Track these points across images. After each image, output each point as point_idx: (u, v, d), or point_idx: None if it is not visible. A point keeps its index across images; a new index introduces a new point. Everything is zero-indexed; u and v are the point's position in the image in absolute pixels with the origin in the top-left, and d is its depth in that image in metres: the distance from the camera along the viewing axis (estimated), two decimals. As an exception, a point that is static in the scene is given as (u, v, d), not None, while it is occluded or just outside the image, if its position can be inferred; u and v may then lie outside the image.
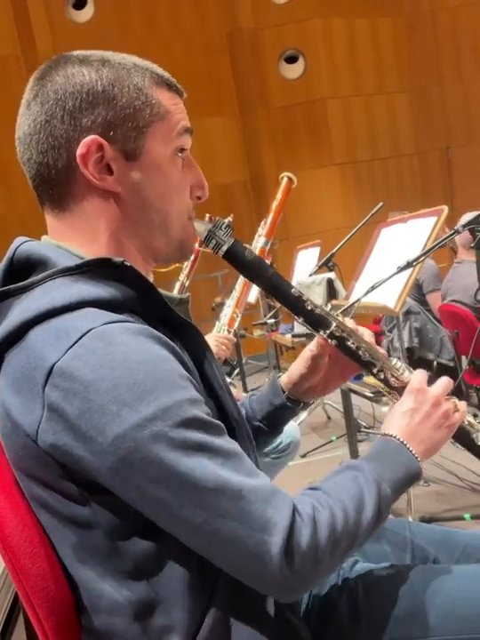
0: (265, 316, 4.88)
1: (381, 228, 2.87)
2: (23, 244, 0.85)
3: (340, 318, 1.02)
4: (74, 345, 0.73)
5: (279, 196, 2.10)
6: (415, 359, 4.01)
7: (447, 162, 7.79)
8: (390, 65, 7.59)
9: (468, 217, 3.36)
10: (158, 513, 0.75)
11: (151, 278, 0.97)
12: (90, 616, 0.84)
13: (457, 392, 3.07)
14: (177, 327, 0.86)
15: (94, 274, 0.80)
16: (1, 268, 0.86)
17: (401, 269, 2.05)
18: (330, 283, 2.94)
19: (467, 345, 3.18)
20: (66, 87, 0.82)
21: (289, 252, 5.42)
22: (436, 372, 3.99)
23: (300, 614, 0.95)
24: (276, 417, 1.15)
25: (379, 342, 4.50)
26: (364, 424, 3.77)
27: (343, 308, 2.17)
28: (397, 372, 1.00)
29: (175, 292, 2.41)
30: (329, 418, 4.37)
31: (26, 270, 0.84)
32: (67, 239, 0.87)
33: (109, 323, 0.75)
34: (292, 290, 0.99)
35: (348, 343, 1.00)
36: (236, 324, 2.15)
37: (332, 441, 3.80)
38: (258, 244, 2.04)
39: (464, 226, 2.10)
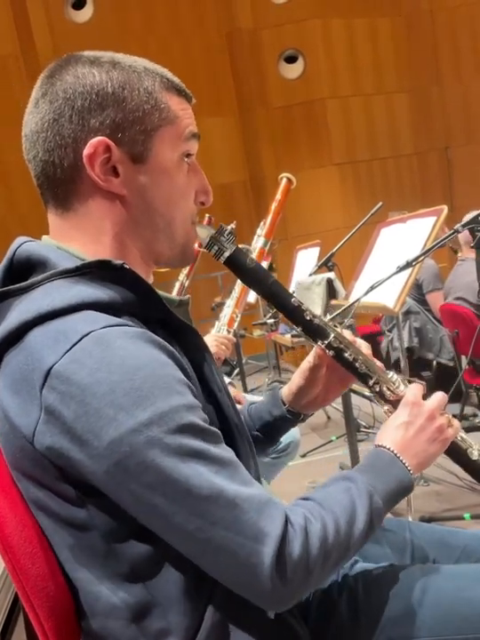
0: (265, 315, 4.88)
1: (381, 228, 2.87)
2: (23, 245, 0.85)
3: (339, 329, 1.03)
4: (72, 348, 0.73)
5: (278, 196, 2.10)
6: (415, 359, 4.01)
7: (447, 162, 7.79)
8: (389, 65, 7.60)
9: (469, 217, 3.36)
10: (152, 518, 0.75)
11: (151, 280, 0.97)
12: (88, 618, 0.84)
13: (457, 392, 3.07)
14: (176, 330, 0.86)
15: (94, 276, 0.80)
16: (1, 269, 0.86)
17: (400, 269, 2.05)
18: (329, 283, 2.94)
19: (466, 344, 3.18)
20: (76, 87, 0.82)
21: (288, 252, 5.42)
22: (435, 372, 4.00)
23: (298, 616, 0.95)
24: (275, 428, 1.16)
25: (379, 342, 4.52)
26: (364, 424, 3.77)
27: (343, 308, 2.18)
28: (393, 386, 1.00)
29: (175, 293, 2.41)
30: (329, 418, 4.38)
31: (26, 271, 0.84)
32: (69, 239, 0.86)
33: (108, 326, 0.75)
34: (292, 299, 0.99)
35: (345, 355, 1.00)
36: (236, 324, 2.15)
37: (331, 441, 3.80)
38: (257, 245, 2.04)
39: (463, 225, 2.11)
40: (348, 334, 1.04)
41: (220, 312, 2.24)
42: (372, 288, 2.06)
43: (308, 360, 1.10)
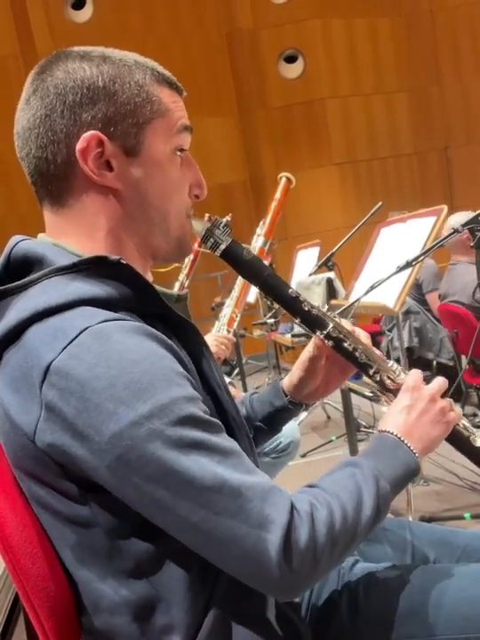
0: (264, 315, 4.87)
1: (381, 228, 2.87)
2: (20, 243, 0.85)
3: (337, 319, 1.02)
4: (70, 343, 0.73)
5: (278, 195, 2.10)
6: (415, 359, 4.01)
7: (446, 162, 7.79)
8: (389, 65, 7.59)
9: (455, 218, 3.36)
10: (155, 512, 0.75)
11: (150, 278, 0.97)
12: (90, 616, 0.83)
13: (457, 391, 3.07)
14: (175, 325, 0.86)
15: (90, 272, 0.80)
16: None
17: (400, 269, 2.05)
18: (329, 282, 2.94)
19: (466, 344, 3.18)
20: (66, 82, 0.82)
21: (288, 251, 5.42)
22: (435, 372, 4.00)
23: (300, 613, 0.95)
24: (277, 418, 1.15)
25: (378, 342, 4.52)
26: (364, 423, 3.77)
27: (343, 308, 2.17)
28: (393, 374, 1.00)
29: (175, 291, 2.41)
30: (329, 417, 4.38)
31: (23, 269, 0.84)
32: (65, 236, 0.86)
33: (105, 321, 0.75)
34: (290, 290, 0.99)
35: (345, 344, 1.00)
36: (236, 324, 2.15)
37: (331, 440, 3.80)
38: (257, 244, 2.04)
39: (463, 225, 2.10)
40: (346, 324, 1.04)
41: (219, 312, 2.24)
42: (372, 288, 2.06)
43: (308, 350, 1.10)
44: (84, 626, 0.86)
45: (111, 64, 0.84)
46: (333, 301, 2.80)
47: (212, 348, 1.98)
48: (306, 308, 0.99)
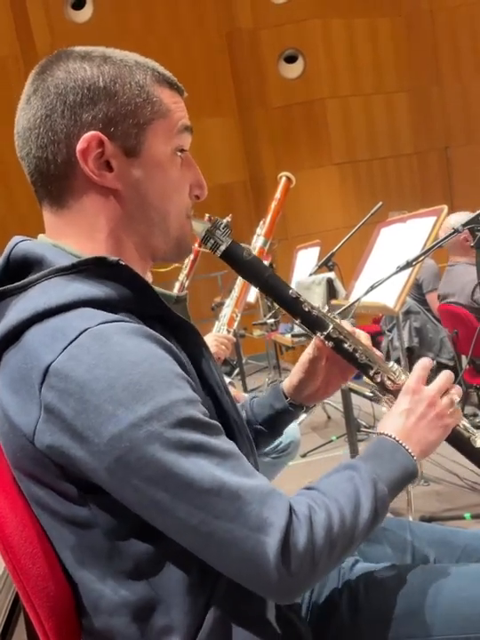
0: (264, 315, 4.88)
1: (381, 228, 2.87)
2: (19, 244, 0.85)
3: (337, 320, 1.02)
4: (69, 345, 0.73)
5: (278, 195, 2.10)
6: (415, 359, 4.01)
7: (446, 162, 7.79)
8: (389, 65, 7.59)
9: (454, 218, 3.36)
10: (154, 514, 0.75)
11: (150, 278, 0.97)
12: (90, 617, 0.83)
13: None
14: (174, 326, 0.86)
15: (90, 273, 0.80)
16: None
17: (400, 269, 2.05)
18: (330, 282, 2.94)
19: (466, 344, 3.18)
20: (67, 82, 0.82)
21: (288, 251, 5.42)
22: (435, 372, 3.99)
23: (300, 614, 0.95)
24: (278, 421, 1.15)
25: (379, 342, 4.52)
26: (364, 423, 3.77)
27: (343, 308, 2.18)
28: (394, 375, 1.00)
29: (174, 292, 2.41)
30: (329, 417, 4.38)
31: (23, 269, 0.84)
32: (64, 237, 0.86)
33: (105, 322, 0.75)
34: (290, 291, 0.99)
35: (345, 345, 1.00)
36: (236, 324, 2.15)
37: (332, 441, 3.80)
38: (257, 244, 2.04)
39: (464, 225, 2.10)
40: (347, 325, 1.04)
41: (219, 312, 2.24)
42: (372, 288, 2.06)
43: (308, 352, 1.10)
44: (84, 627, 0.86)
45: (112, 64, 0.84)
46: (333, 301, 2.80)
47: (212, 348, 1.98)
48: (306, 309, 0.99)
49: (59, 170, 0.84)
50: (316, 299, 2.83)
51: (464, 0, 7.48)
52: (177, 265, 2.41)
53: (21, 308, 0.78)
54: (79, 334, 0.73)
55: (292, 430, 2.15)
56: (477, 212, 2.19)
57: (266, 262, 1.03)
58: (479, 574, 0.95)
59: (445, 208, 2.44)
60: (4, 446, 0.82)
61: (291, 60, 7.37)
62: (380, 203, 3.05)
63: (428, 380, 0.97)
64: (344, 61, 7.37)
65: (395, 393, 0.99)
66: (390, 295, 2.36)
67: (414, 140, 7.77)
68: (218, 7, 7.13)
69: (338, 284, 2.98)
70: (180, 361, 0.80)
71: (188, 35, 7.05)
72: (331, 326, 1.00)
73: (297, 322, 1.01)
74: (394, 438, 0.91)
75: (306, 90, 7.34)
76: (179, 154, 0.88)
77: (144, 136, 0.84)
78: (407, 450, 0.90)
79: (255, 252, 2.01)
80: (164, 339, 0.79)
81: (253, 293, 4.10)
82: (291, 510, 0.76)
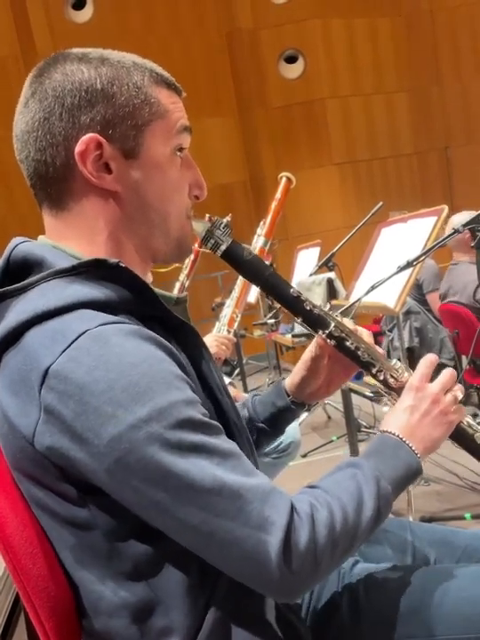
0: (265, 316, 4.87)
1: (381, 228, 2.87)
2: (19, 245, 0.85)
3: (339, 318, 1.02)
4: (69, 347, 0.73)
5: (278, 195, 2.10)
6: (415, 359, 4.01)
7: (446, 162, 7.79)
8: (389, 65, 7.59)
9: (457, 218, 3.36)
10: (155, 514, 0.75)
11: (150, 278, 0.97)
12: (90, 618, 0.83)
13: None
14: (174, 328, 0.86)
15: (90, 275, 0.80)
16: None
17: (401, 269, 2.05)
18: (330, 283, 2.94)
19: (467, 344, 3.18)
20: (65, 84, 0.82)
21: (289, 252, 5.42)
22: (436, 372, 3.99)
23: (300, 615, 0.94)
24: (280, 419, 1.15)
25: (379, 342, 4.52)
26: (365, 424, 3.77)
27: (343, 308, 2.17)
28: (397, 373, 0.99)
29: (175, 293, 2.41)
30: (329, 418, 4.38)
31: (23, 271, 0.84)
32: (64, 239, 0.86)
33: (104, 324, 0.74)
34: (291, 290, 0.99)
35: (347, 343, 1.00)
36: (236, 324, 2.15)
37: (332, 441, 3.80)
38: (257, 244, 2.04)
39: (464, 225, 2.10)
40: (349, 323, 1.03)
41: (220, 312, 2.24)
42: (372, 288, 2.05)
43: (310, 350, 1.09)
44: (85, 628, 0.86)
45: (109, 66, 0.84)
46: (334, 302, 2.79)
47: (213, 349, 1.98)
48: (307, 308, 0.99)
49: (57, 173, 0.84)
50: (316, 299, 2.83)
51: (464, 0, 7.47)
52: (177, 265, 2.41)
53: (21, 309, 0.78)
54: (78, 336, 0.73)
55: (292, 430, 2.15)
56: (479, 213, 2.19)
57: (266, 262, 1.03)
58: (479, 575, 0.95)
59: (446, 208, 2.43)
60: (3, 448, 0.82)
61: (291, 60, 7.37)
62: (381, 203, 3.04)
63: (430, 380, 0.97)
64: (344, 61, 7.38)
65: (398, 390, 0.98)
66: (391, 295, 2.36)
67: (414, 140, 7.77)
68: (218, 7, 7.13)
69: (338, 285, 2.98)
70: (180, 362, 0.80)
71: (188, 35, 7.05)
72: (332, 324, 1.00)
73: (298, 320, 1.01)
74: (397, 435, 0.90)
75: (306, 90, 7.34)
76: (178, 154, 0.88)
77: (142, 137, 0.84)
78: (410, 447, 0.90)
79: (255, 253, 2.02)
80: (163, 340, 0.78)
81: (254, 294, 4.09)
82: (292, 509, 0.76)
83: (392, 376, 0.99)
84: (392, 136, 7.66)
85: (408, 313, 4.08)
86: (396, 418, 0.93)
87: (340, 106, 7.38)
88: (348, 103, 7.41)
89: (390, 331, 4.28)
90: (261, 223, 2.10)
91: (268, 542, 0.73)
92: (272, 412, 1.14)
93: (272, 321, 4.64)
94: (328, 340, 1.00)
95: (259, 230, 2.08)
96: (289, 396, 1.14)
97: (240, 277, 2.13)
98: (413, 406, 0.93)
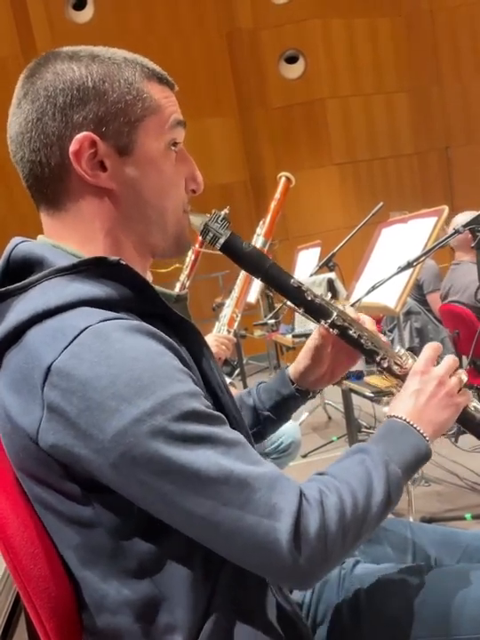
0: (265, 316, 4.87)
1: (382, 228, 2.87)
2: (19, 245, 0.85)
3: (341, 307, 1.02)
4: (70, 344, 0.73)
5: (277, 195, 2.09)
6: (416, 359, 4.01)
7: (447, 162, 7.79)
8: (389, 65, 7.60)
9: (460, 218, 3.36)
10: (162, 507, 0.75)
11: (150, 277, 0.97)
12: (93, 616, 0.83)
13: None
14: (175, 325, 0.86)
15: (90, 273, 0.80)
16: None
17: (401, 269, 2.05)
18: (330, 283, 2.94)
19: (467, 345, 3.18)
20: (56, 84, 0.82)
21: (289, 252, 5.42)
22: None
23: (302, 613, 0.94)
24: (285, 407, 1.16)
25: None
26: (365, 424, 3.77)
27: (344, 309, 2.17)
28: (401, 360, 0.99)
29: (175, 291, 2.41)
30: (330, 418, 4.38)
31: (23, 270, 0.84)
32: (63, 238, 0.86)
33: (105, 320, 0.75)
34: (292, 280, 0.98)
35: (350, 332, 1.00)
36: (236, 324, 2.15)
37: (332, 441, 3.80)
38: (257, 244, 2.04)
39: (464, 226, 2.10)
40: (351, 311, 1.03)
41: (220, 312, 2.23)
42: (373, 288, 2.06)
43: (313, 338, 1.09)
44: (87, 626, 0.86)
45: (100, 63, 0.83)
46: (334, 302, 2.79)
47: (213, 349, 1.98)
48: (309, 298, 0.99)
49: (53, 173, 0.84)
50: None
51: (464, 0, 7.48)
52: (178, 265, 2.42)
53: (21, 308, 0.78)
54: (80, 333, 0.73)
55: (292, 431, 2.15)
56: (470, 214, 2.20)
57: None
58: (480, 575, 0.95)
59: (446, 208, 2.43)
60: (6, 447, 0.82)
61: (291, 60, 7.37)
62: (381, 203, 3.04)
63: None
64: (344, 61, 7.38)
65: (403, 377, 0.98)
66: (391, 296, 2.35)
67: (414, 140, 7.77)
68: (218, 7, 7.14)
69: (338, 285, 2.98)
70: (181, 357, 0.80)
71: (188, 35, 7.06)
72: (334, 314, 0.99)
73: (300, 311, 1.00)
74: (404, 420, 0.90)
75: (306, 90, 7.34)
76: (172, 149, 0.88)
77: (136, 134, 0.84)
78: (418, 430, 0.89)
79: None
80: (164, 335, 0.79)
81: (254, 294, 4.09)
82: (301, 495, 0.75)
83: (396, 363, 0.99)
84: (392, 136, 7.66)
85: (408, 313, 4.08)
86: (403, 402, 0.92)
87: (340, 106, 7.39)
88: (348, 103, 7.42)
89: (391, 331, 4.27)
90: (261, 223, 2.10)
91: (278, 529, 0.72)
92: (277, 400, 1.15)
93: (272, 321, 4.64)
94: (331, 330, 1.00)
95: (258, 230, 2.07)
96: (293, 383, 1.14)
97: (239, 277, 2.14)
98: (419, 390, 0.92)
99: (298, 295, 0.99)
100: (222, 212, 0.96)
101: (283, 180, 2.09)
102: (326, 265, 3.14)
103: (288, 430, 2.11)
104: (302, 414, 4.28)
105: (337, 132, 7.42)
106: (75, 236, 0.86)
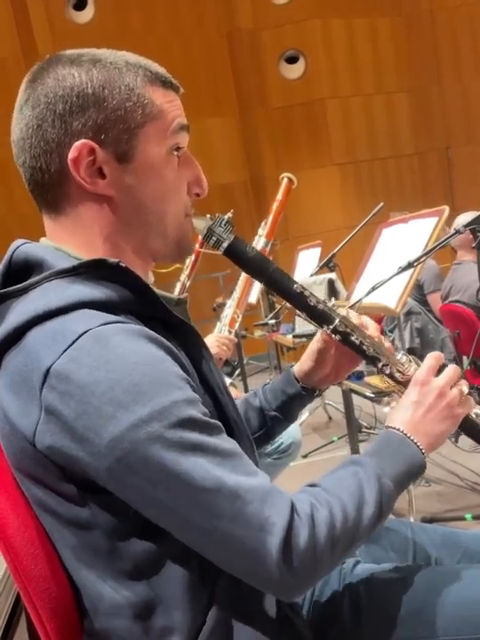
0: (266, 316, 4.87)
1: (382, 229, 2.87)
2: (21, 246, 0.85)
3: (344, 312, 1.02)
4: (70, 347, 0.73)
5: (279, 196, 2.09)
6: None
7: (447, 162, 7.79)
8: (390, 65, 7.59)
9: (462, 218, 3.36)
10: (157, 513, 0.76)
11: (151, 279, 0.97)
12: (91, 618, 0.84)
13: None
14: (175, 328, 0.86)
15: (90, 275, 0.80)
16: (0, 270, 0.86)
17: (402, 270, 2.05)
18: (331, 283, 2.94)
19: (468, 345, 3.18)
20: (56, 90, 0.81)
21: (290, 252, 5.41)
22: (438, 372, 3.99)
23: (302, 614, 0.94)
24: (291, 406, 1.16)
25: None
26: (365, 424, 3.77)
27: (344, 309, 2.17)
28: (403, 367, 0.99)
29: (176, 293, 2.41)
30: (330, 418, 4.37)
31: (24, 272, 0.84)
32: (64, 242, 0.86)
33: (105, 324, 0.75)
34: (295, 285, 0.98)
35: (352, 338, 1.00)
36: (237, 325, 2.15)
37: (333, 441, 3.80)
38: (258, 245, 2.04)
39: (465, 226, 2.10)
40: (354, 316, 1.03)
41: (221, 312, 2.23)
42: (373, 288, 2.05)
43: (317, 340, 1.10)
44: (86, 628, 0.86)
45: (101, 68, 0.83)
46: (335, 302, 2.79)
47: (214, 349, 1.98)
48: (312, 303, 0.99)
49: (52, 179, 0.84)
50: (316, 299, 2.82)
51: (464, 0, 7.47)
52: (178, 265, 2.41)
53: (21, 310, 0.78)
54: (79, 336, 0.73)
55: (293, 431, 2.15)
56: (472, 214, 2.20)
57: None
58: (480, 575, 0.95)
59: (447, 209, 2.43)
60: (4, 448, 0.82)
61: (291, 60, 7.37)
62: (382, 203, 3.04)
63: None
64: (344, 62, 7.37)
65: (404, 384, 0.98)
66: (391, 296, 2.35)
67: (415, 141, 7.76)
68: (218, 8, 7.13)
69: (339, 285, 2.98)
70: (181, 362, 0.80)
71: (188, 35, 7.05)
72: (337, 320, 1.00)
73: (303, 316, 1.01)
74: (401, 431, 0.90)
75: (306, 90, 7.33)
76: (175, 153, 0.87)
77: (136, 140, 0.83)
78: (415, 442, 0.89)
79: (256, 253, 2.01)
80: (164, 340, 0.79)
81: (255, 294, 4.09)
82: (292, 508, 0.76)
83: (399, 370, 0.99)
84: (392, 136, 7.66)
85: (409, 313, 4.08)
86: (401, 413, 0.93)
87: (340, 106, 7.38)
88: (348, 103, 7.41)
89: (391, 331, 4.27)
90: (262, 224, 2.09)
91: (269, 542, 0.73)
92: (283, 399, 1.15)
93: (273, 321, 4.64)
94: (333, 335, 1.00)
95: (260, 231, 2.07)
96: (299, 382, 1.14)
97: (241, 278, 2.14)
98: (418, 402, 0.93)
99: (301, 300, 0.99)
100: (226, 216, 0.96)
101: (285, 180, 2.09)
102: (327, 265, 3.14)
103: (289, 430, 2.10)
104: (303, 414, 4.27)
105: (337, 133, 7.42)
106: (74, 240, 0.86)
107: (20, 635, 1.40)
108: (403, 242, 2.56)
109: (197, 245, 2.09)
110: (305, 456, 3.55)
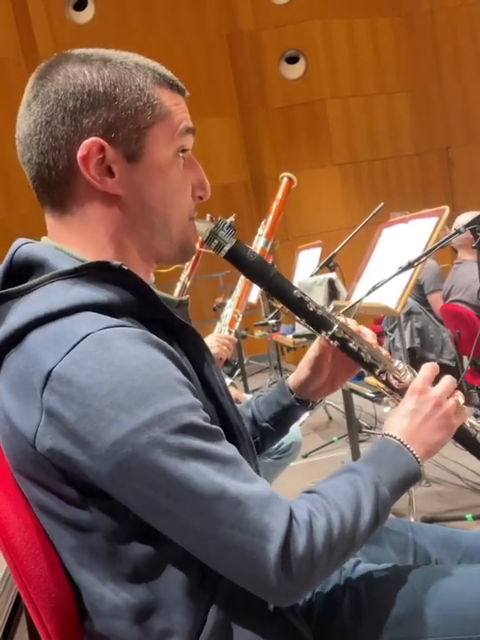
0: (266, 316, 4.87)
1: (382, 229, 2.87)
2: (22, 246, 0.85)
3: (342, 319, 1.02)
4: (72, 350, 0.73)
5: (279, 196, 2.09)
6: (417, 359, 4.01)
7: (447, 162, 7.79)
8: (390, 65, 7.59)
9: (463, 218, 3.36)
10: (157, 517, 0.76)
11: (152, 279, 0.97)
12: (91, 619, 0.84)
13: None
14: (176, 330, 0.86)
15: (92, 277, 0.80)
16: (0, 271, 0.86)
17: (402, 270, 2.05)
18: (331, 283, 2.94)
19: (468, 345, 3.18)
20: (67, 87, 0.81)
21: (290, 252, 5.42)
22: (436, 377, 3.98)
23: (300, 615, 0.94)
24: (285, 417, 1.15)
25: (380, 343, 4.51)
26: (366, 424, 3.77)
27: (344, 309, 2.17)
28: (399, 374, 1.00)
29: (176, 293, 2.41)
30: (330, 418, 4.37)
31: (25, 272, 0.84)
32: (67, 241, 0.86)
33: (107, 327, 0.74)
34: (294, 291, 0.99)
35: (350, 345, 1.00)
36: (237, 325, 2.15)
37: (333, 441, 3.80)
38: (258, 245, 2.03)
39: (465, 226, 2.10)
40: (352, 323, 1.04)
41: (221, 312, 2.23)
42: (373, 288, 2.05)
43: (314, 348, 1.10)
44: (86, 629, 0.86)
45: (112, 68, 0.83)
46: (335, 302, 2.79)
47: (214, 349, 1.98)
48: (311, 309, 0.99)
49: (60, 176, 0.83)
50: (317, 299, 2.82)
51: (464, 0, 7.47)
52: (178, 266, 2.41)
53: (22, 311, 0.78)
54: (81, 339, 0.73)
55: (293, 431, 2.14)
56: (473, 214, 2.20)
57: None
58: (481, 576, 0.95)
59: (447, 209, 2.43)
60: (5, 449, 0.82)
61: (292, 60, 7.37)
62: (382, 203, 3.04)
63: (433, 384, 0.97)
64: (345, 62, 7.38)
65: (401, 391, 0.99)
66: (392, 296, 2.35)
67: (415, 141, 7.76)
68: (219, 8, 7.13)
69: (339, 285, 2.98)
70: (182, 366, 0.80)
71: (189, 36, 7.06)
72: (335, 326, 1.00)
73: (302, 322, 1.01)
74: (398, 439, 0.91)
75: (307, 90, 7.34)
76: (180, 155, 0.87)
77: (145, 140, 0.84)
78: (411, 451, 0.90)
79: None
80: (166, 344, 0.78)
81: (255, 294, 4.09)
82: (291, 516, 0.76)
83: (395, 377, 0.99)
84: (393, 136, 7.66)
85: (409, 313, 4.08)
86: (398, 421, 0.94)
87: (340, 106, 7.38)
88: (348, 103, 7.41)
89: (391, 331, 4.27)
90: (262, 224, 2.09)
91: (267, 549, 0.74)
92: (277, 410, 1.14)
93: (273, 321, 4.64)
94: (331, 342, 1.00)
95: (260, 231, 2.07)
96: (293, 393, 1.14)
97: (241, 278, 2.14)
98: (415, 410, 0.93)
99: (300, 306, 0.99)
100: (228, 220, 0.96)
101: (285, 180, 2.08)
102: (327, 265, 3.14)
103: (289, 430, 2.11)
104: (303, 415, 4.27)
105: (337, 133, 7.42)
106: (79, 239, 0.86)
107: (20, 635, 1.40)
108: (403, 242, 2.56)
109: (198, 245, 2.09)
110: (305, 456, 3.55)
